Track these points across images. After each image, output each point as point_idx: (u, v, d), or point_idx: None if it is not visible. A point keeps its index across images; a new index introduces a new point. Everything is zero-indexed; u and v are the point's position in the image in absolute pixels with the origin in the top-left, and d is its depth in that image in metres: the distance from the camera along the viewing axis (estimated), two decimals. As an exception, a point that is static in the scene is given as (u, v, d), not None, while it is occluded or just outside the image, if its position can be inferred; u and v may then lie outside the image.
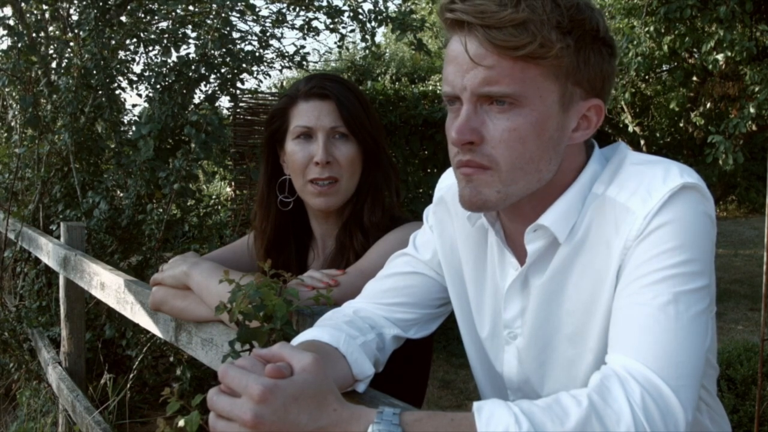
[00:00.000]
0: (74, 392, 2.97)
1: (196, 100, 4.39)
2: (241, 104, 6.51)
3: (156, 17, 4.98)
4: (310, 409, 0.84)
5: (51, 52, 4.68)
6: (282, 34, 5.83)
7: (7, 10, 4.63)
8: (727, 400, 3.51)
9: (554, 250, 1.06)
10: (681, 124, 9.03)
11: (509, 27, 0.93)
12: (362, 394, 1.08)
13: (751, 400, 3.51)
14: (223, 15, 4.03)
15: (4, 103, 5.37)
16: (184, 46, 4.57)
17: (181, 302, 1.55)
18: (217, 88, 4.31)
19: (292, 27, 5.60)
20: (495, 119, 0.98)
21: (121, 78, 4.70)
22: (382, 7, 5.12)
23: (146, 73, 4.71)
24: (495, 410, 0.83)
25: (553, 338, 1.08)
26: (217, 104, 4.44)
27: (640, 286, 0.94)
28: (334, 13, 5.29)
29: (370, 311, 1.22)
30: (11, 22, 4.54)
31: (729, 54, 6.57)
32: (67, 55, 4.35)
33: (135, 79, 4.91)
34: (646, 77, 8.41)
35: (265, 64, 5.37)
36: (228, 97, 4.69)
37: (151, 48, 4.94)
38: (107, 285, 2.27)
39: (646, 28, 7.03)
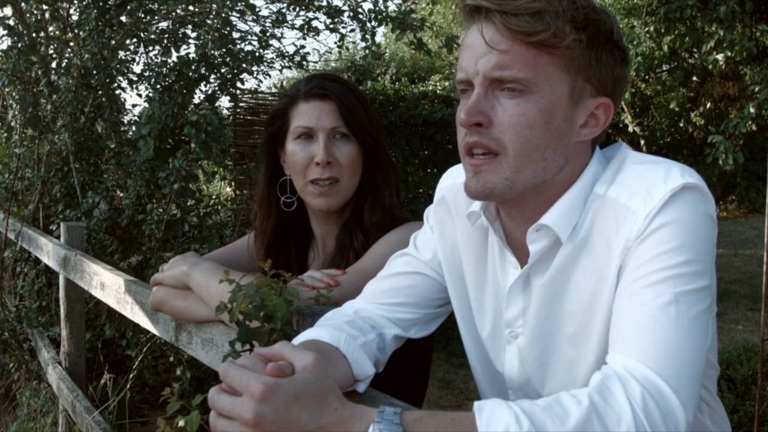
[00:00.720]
0: (74, 392, 2.97)
1: (196, 100, 4.39)
2: (241, 104, 6.51)
3: (156, 17, 4.98)
4: (311, 408, 0.84)
5: (51, 52, 4.68)
6: (282, 34, 5.85)
7: (7, 10, 4.63)
8: (727, 400, 3.51)
9: (556, 250, 1.06)
10: (681, 124, 9.03)
11: (525, 14, 0.96)
12: (362, 394, 1.08)
13: (751, 400, 3.51)
14: (223, 15, 4.04)
15: (4, 103, 5.37)
16: (184, 46, 4.57)
17: (181, 302, 1.55)
18: (217, 88, 4.32)
19: (292, 27, 5.60)
20: (505, 104, 1.00)
21: (121, 78, 4.70)
22: (382, 7, 5.12)
23: (146, 73, 4.71)
24: (495, 410, 0.83)
25: (555, 338, 1.08)
26: (217, 104, 4.44)
27: (641, 287, 0.94)
28: (334, 13, 5.29)
29: (370, 311, 1.22)
30: (11, 22, 4.54)
31: (729, 54, 6.57)
32: (67, 55, 4.35)
33: (135, 79, 4.91)
34: (646, 77, 8.42)
35: (265, 64, 5.38)
36: (228, 97, 4.70)
37: (151, 48, 4.94)
38: (107, 285, 2.27)
39: (646, 28, 7.03)
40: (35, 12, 4.75)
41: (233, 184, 6.75)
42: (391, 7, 5.32)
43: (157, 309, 1.64)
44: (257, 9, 4.98)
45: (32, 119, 4.07)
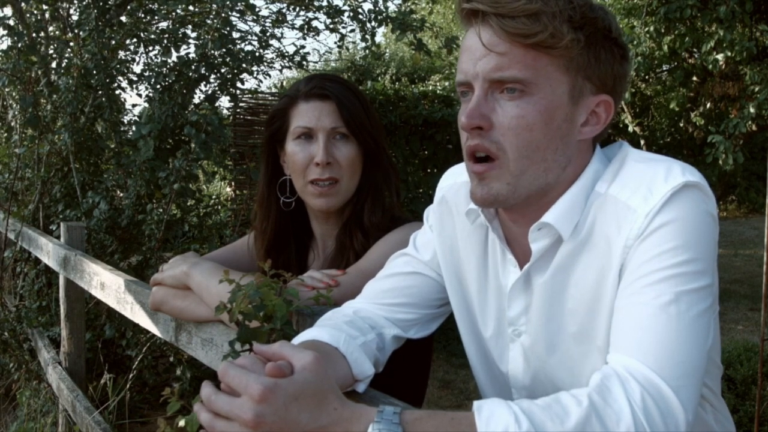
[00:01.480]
0: (74, 392, 2.97)
1: (196, 100, 4.39)
2: (241, 104, 6.51)
3: (156, 17, 4.98)
4: (310, 408, 0.84)
5: (51, 52, 4.67)
6: (282, 34, 5.83)
7: (7, 10, 4.63)
8: (727, 400, 3.51)
9: (557, 248, 1.06)
10: (681, 124, 9.03)
11: (522, 17, 0.96)
12: (362, 394, 1.08)
13: (751, 400, 3.51)
14: (223, 15, 4.04)
15: (4, 103, 5.37)
16: (184, 46, 4.57)
17: (181, 302, 1.55)
18: (217, 88, 4.32)
19: (292, 27, 5.60)
20: (505, 106, 1.00)
21: (121, 78, 4.70)
22: (382, 7, 5.12)
23: (146, 73, 4.71)
24: (495, 409, 0.83)
25: (559, 336, 1.08)
26: (217, 104, 4.44)
27: (642, 286, 0.94)
28: (334, 13, 5.29)
29: (370, 311, 1.22)
30: (11, 22, 4.54)
31: (729, 54, 6.57)
32: (67, 55, 4.35)
33: (135, 79, 4.91)
34: (646, 77, 8.42)
35: (265, 64, 5.37)
36: (228, 97, 4.70)
37: (151, 48, 4.94)
38: (107, 285, 2.27)
39: (646, 28, 7.03)
40: (35, 12, 4.75)
41: (233, 184, 6.75)
42: (391, 7, 5.33)
43: (157, 309, 1.64)
44: (257, 9, 4.98)
45: (32, 119, 4.07)
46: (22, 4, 4.56)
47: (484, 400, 0.86)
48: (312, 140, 1.58)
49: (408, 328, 1.24)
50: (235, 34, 4.49)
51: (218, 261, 1.61)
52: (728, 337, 5.69)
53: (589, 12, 1.00)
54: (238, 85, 4.48)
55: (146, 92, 4.67)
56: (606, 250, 1.00)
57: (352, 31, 5.62)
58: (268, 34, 5.00)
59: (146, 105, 4.33)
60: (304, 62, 5.66)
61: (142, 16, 4.93)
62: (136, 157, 3.86)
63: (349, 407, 0.87)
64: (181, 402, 1.08)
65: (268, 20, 5.40)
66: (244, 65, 4.34)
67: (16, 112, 4.71)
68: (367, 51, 5.56)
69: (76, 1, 4.66)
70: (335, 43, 5.82)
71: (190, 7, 5.03)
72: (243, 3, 4.44)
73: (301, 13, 5.56)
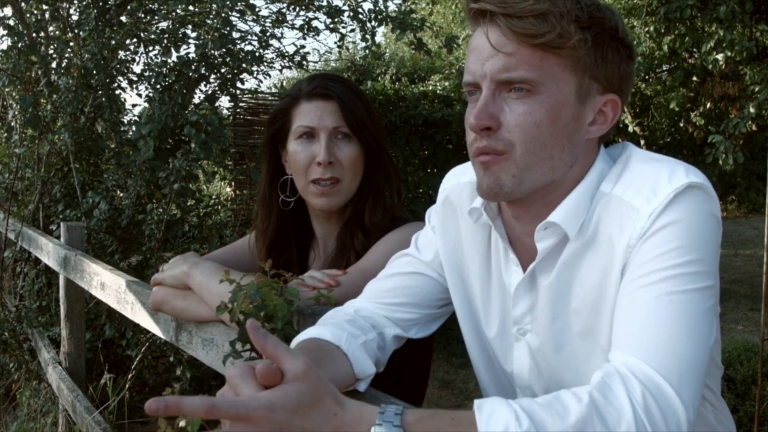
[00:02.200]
0: (74, 392, 2.97)
1: (196, 100, 4.39)
2: (241, 104, 6.51)
3: (156, 17, 4.98)
4: (311, 417, 0.83)
5: (51, 52, 4.67)
6: (282, 34, 5.84)
7: (7, 10, 4.62)
8: (727, 400, 3.51)
9: (562, 248, 1.06)
10: (681, 124, 9.04)
11: (530, 17, 0.97)
12: (363, 393, 1.08)
13: (751, 400, 3.51)
14: (223, 15, 4.03)
15: (4, 103, 5.36)
16: (184, 46, 4.57)
17: (181, 302, 1.55)
18: (217, 88, 4.31)
19: (292, 27, 5.59)
20: (512, 105, 1.01)
21: (121, 78, 4.69)
22: (382, 7, 5.12)
23: (146, 73, 4.70)
24: (495, 408, 0.83)
25: (564, 335, 1.08)
26: (217, 104, 4.44)
27: (644, 285, 0.94)
28: (334, 13, 5.29)
29: (371, 311, 1.22)
30: (11, 22, 4.53)
31: (729, 54, 6.58)
32: (67, 55, 4.34)
33: (135, 79, 4.91)
34: (646, 77, 8.42)
35: (265, 64, 5.37)
36: (228, 97, 4.70)
37: (151, 48, 4.94)
38: (107, 285, 2.27)
39: (646, 28, 7.04)
40: (35, 12, 4.75)
41: (233, 184, 6.75)
42: (391, 7, 5.32)
43: (157, 309, 1.64)
44: (257, 9, 4.98)
45: (32, 119, 4.06)
46: (22, 4, 4.56)
47: (485, 399, 0.86)
48: (314, 140, 1.58)
49: (409, 328, 1.24)
50: (235, 34, 4.49)
51: (218, 261, 1.61)
52: (728, 337, 5.69)
53: (596, 12, 1.01)
54: (238, 85, 4.48)
55: (146, 92, 4.67)
56: (609, 249, 1.00)
57: (352, 31, 5.62)
58: (268, 34, 5.00)
59: (146, 105, 4.33)
60: (304, 62, 5.65)
61: (142, 16, 4.93)
62: (136, 157, 3.86)
63: (350, 410, 0.86)
64: (182, 402, 1.08)
65: (268, 20, 5.40)
66: (244, 65, 4.34)
67: (16, 112, 4.70)
68: (367, 51, 5.56)
69: (76, 1, 4.65)
70: (335, 43, 5.83)
71: (190, 7, 5.03)
72: (243, 3, 4.44)
73: (301, 13, 5.56)
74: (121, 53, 4.85)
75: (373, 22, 5.16)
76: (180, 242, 3.94)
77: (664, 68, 8.40)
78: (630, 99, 8.54)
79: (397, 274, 1.27)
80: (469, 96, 1.07)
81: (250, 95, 6.44)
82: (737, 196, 13.71)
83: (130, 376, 3.41)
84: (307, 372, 0.85)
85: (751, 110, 6.28)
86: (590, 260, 1.03)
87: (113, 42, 4.43)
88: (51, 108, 4.32)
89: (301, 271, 1.57)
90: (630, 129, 8.31)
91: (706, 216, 0.97)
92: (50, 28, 4.87)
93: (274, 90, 7.93)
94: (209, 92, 4.32)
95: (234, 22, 4.34)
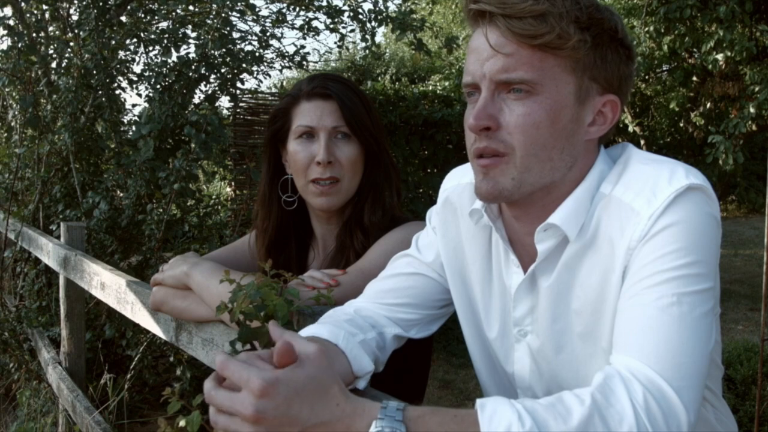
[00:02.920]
0: (74, 392, 2.97)
1: (196, 100, 4.39)
2: (241, 104, 6.51)
3: (156, 17, 4.98)
4: (312, 402, 0.84)
5: (51, 52, 4.67)
6: (282, 34, 5.85)
7: (7, 10, 4.62)
8: (727, 400, 3.51)
9: (562, 249, 1.06)
10: (681, 124, 9.04)
11: (529, 18, 0.97)
12: (363, 391, 1.08)
13: (751, 400, 3.51)
14: (223, 15, 4.04)
15: (4, 103, 5.36)
16: (184, 46, 4.56)
17: (181, 302, 1.55)
18: (217, 88, 4.31)
19: (292, 27, 5.59)
20: (512, 106, 1.01)
21: (121, 78, 4.70)
22: (382, 7, 5.12)
23: (146, 73, 4.70)
24: (498, 407, 0.83)
25: (565, 337, 1.08)
26: (217, 104, 4.44)
27: (645, 287, 0.94)
28: (334, 13, 5.29)
29: (371, 310, 1.22)
30: (11, 22, 4.53)
31: (729, 54, 6.58)
32: (67, 55, 4.34)
33: (135, 79, 4.91)
34: (646, 77, 8.42)
35: (265, 64, 5.37)
36: (228, 97, 4.70)
37: (151, 48, 4.93)
38: (107, 285, 2.27)
39: (646, 28, 7.04)
40: (35, 12, 4.75)
41: (233, 184, 6.75)
42: (391, 7, 5.33)
43: (157, 309, 1.64)
44: (257, 9, 4.97)
45: (32, 119, 4.06)
46: (22, 4, 4.56)
47: (487, 398, 0.86)
48: (313, 139, 1.58)
49: (409, 328, 1.24)
50: (235, 34, 4.49)
51: (218, 261, 1.61)
52: (728, 337, 5.69)
53: (595, 13, 1.01)
54: (238, 85, 4.48)
55: (146, 92, 4.67)
56: (609, 251, 1.00)
57: (352, 31, 5.62)
58: (268, 34, 5.00)
59: (146, 105, 4.33)
60: (304, 62, 5.66)
61: (142, 16, 4.93)
62: (136, 157, 3.86)
63: (352, 403, 0.87)
64: (182, 402, 1.08)
65: (268, 20, 5.40)
66: (244, 65, 4.33)
67: (16, 112, 4.70)
68: (367, 51, 5.56)
69: (76, 1, 4.65)
70: (335, 43, 5.83)
71: (190, 7, 5.02)
72: (243, 3, 4.43)
73: (301, 13, 5.55)
74: (121, 53, 4.85)
75: (373, 23, 5.16)
76: (180, 242, 3.94)
77: (664, 68, 8.40)
78: (630, 99, 8.55)
79: (397, 274, 1.27)
80: (468, 97, 1.07)
81: (250, 95, 6.45)
82: (737, 196, 13.71)
83: (130, 376, 3.41)
84: (319, 355, 0.86)
85: (751, 110, 6.29)
86: (591, 262, 1.03)
87: (113, 42, 4.43)
88: (51, 108, 4.32)
89: (300, 270, 1.57)
90: (630, 129, 8.31)
91: (706, 218, 0.97)
92: (50, 28, 4.87)
93: (274, 90, 7.94)
94: (209, 92, 4.32)
95: (234, 22, 4.35)
